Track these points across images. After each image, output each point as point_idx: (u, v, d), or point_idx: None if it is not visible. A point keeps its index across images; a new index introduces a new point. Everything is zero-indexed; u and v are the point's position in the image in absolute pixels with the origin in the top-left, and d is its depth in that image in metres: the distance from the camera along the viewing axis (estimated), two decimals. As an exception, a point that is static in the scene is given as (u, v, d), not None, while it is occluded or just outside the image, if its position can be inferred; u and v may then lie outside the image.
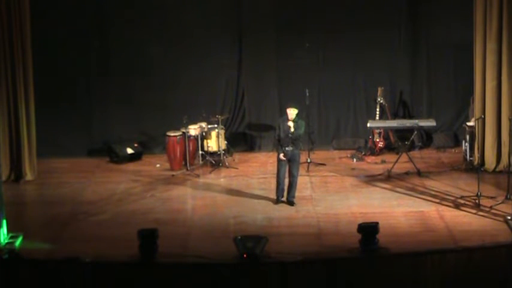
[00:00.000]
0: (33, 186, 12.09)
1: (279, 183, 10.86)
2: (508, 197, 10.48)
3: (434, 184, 11.55)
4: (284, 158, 10.68)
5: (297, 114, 10.70)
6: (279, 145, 10.81)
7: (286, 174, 10.84)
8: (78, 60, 13.60)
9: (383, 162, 12.89)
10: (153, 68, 13.74)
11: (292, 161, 10.81)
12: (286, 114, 10.73)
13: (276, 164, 10.97)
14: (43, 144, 12.77)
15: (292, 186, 10.86)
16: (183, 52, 13.68)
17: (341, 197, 11.16)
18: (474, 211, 10.30)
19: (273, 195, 11.03)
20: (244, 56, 13.91)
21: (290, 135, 10.63)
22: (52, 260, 8.83)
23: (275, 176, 10.95)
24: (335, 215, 10.40)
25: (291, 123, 10.63)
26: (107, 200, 11.26)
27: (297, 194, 11.15)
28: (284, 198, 10.91)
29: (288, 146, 10.69)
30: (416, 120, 12.64)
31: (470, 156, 12.25)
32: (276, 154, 11.07)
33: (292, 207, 10.73)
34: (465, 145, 12.39)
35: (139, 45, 13.61)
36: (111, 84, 13.81)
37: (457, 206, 10.52)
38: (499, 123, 11.92)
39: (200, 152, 12.92)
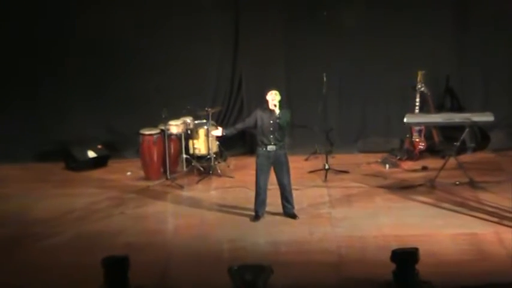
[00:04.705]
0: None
1: (259, 194, 10.95)
2: None
3: (492, 198, 11.55)
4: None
5: (280, 101, 10.78)
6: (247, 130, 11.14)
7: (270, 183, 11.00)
8: (22, 38, 13.68)
9: (424, 169, 12.92)
10: (121, 46, 13.76)
11: (278, 165, 10.87)
12: (266, 102, 10.80)
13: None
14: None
15: (286, 196, 10.99)
16: (162, 26, 13.72)
17: (369, 214, 11.18)
18: (543, 233, 10.31)
19: (280, 212, 11.10)
20: (242, 31, 13.95)
21: (278, 122, 10.61)
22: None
23: (275, 185, 11.04)
24: (361, 239, 10.41)
25: (276, 109, 10.65)
26: (62, 219, 11.28)
27: (311, 210, 11.25)
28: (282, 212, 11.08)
29: (270, 144, 10.76)
30: (469, 114, 12.61)
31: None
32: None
33: (304, 227, 10.75)
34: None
35: (104, 14, 13.60)
36: (68, 67, 13.86)
37: (522, 227, 10.55)
38: None
39: (184, 156, 12.94)
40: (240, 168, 13.23)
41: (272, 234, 10.64)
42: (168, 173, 12.56)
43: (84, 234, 10.76)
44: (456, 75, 14.05)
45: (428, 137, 13.56)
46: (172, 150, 12.77)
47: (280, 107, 10.74)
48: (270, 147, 10.80)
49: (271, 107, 10.72)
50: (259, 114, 10.88)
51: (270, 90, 10.79)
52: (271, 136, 10.75)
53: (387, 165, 13.15)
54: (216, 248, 10.24)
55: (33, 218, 11.35)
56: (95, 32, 13.68)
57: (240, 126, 11.39)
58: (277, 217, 11.09)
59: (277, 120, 10.66)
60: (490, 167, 12.94)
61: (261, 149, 10.87)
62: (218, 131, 11.32)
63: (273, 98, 10.71)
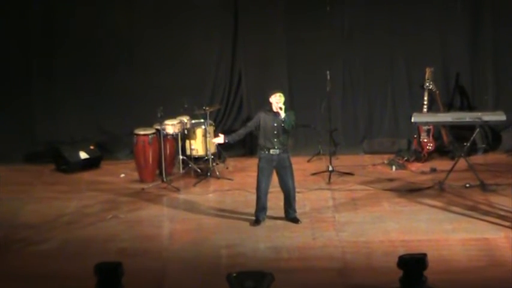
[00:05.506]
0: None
1: (260, 198, 10.97)
2: None
3: (504, 201, 11.54)
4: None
5: (285, 103, 10.75)
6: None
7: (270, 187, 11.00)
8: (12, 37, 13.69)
9: (433, 170, 12.93)
10: (115, 44, 13.78)
11: (281, 169, 10.88)
12: (269, 104, 10.78)
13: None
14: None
15: (290, 200, 11.00)
16: (158, 23, 13.73)
17: (374, 219, 11.18)
18: (558, 238, 10.31)
19: (282, 215, 11.10)
20: (241, 24, 13.94)
21: (283, 126, 10.60)
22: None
23: (281, 189, 11.02)
24: (366, 244, 10.41)
25: (282, 113, 10.61)
26: (52, 223, 11.26)
27: (314, 214, 11.27)
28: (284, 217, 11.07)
29: (273, 148, 10.74)
30: (479, 114, 12.60)
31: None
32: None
33: (307, 232, 10.76)
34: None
35: (98, 12, 13.63)
36: (59, 63, 13.86)
37: (535, 232, 10.55)
38: None
39: (181, 157, 12.94)
40: (240, 170, 13.22)
41: (273, 239, 10.63)
42: (163, 175, 12.53)
43: (75, 240, 10.75)
44: (467, 72, 14.04)
45: (437, 137, 13.56)
46: (168, 151, 12.76)
47: (285, 109, 10.72)
48: (273, 151, 10.78)
49: (275, 109, 10.69)
50: (262, 116, 10.84)
51: (274, 92, 10.75)
52: (275, 140, 10.72)
53: (394, 167, 13.14)
54: (214, 254, 10.24)
55: (22, 222, 11.35)
56: (87, 30, 13.70)
57: (242, 131, 11.28)
58: (279, 221, 11.09)
59: (282, 124, 10.64)
60: (502, 169, 12.90)
61: (263, 152, 10.85)
62: (220, 138, 11.19)
63: (278, 100, 10.67)
